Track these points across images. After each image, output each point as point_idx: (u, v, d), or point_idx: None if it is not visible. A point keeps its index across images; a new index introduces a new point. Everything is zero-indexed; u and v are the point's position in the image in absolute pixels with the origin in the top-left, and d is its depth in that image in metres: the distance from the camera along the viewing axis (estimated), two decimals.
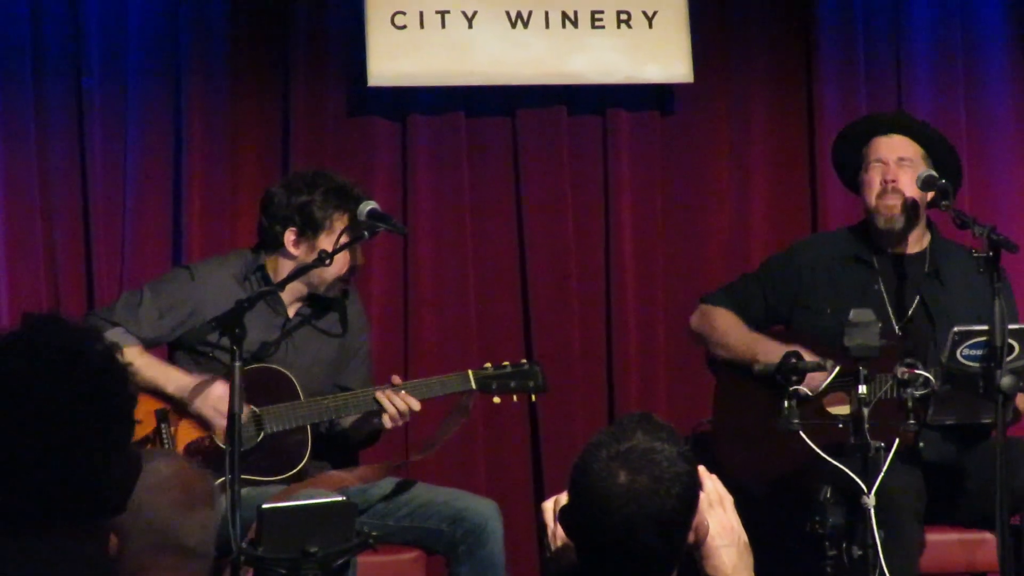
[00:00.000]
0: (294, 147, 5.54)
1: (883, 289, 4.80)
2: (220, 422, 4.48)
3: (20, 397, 2.15)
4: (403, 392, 4.57)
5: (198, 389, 4.55)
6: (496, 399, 4.74)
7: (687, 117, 5.79)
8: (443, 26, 5.58)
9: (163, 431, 4.55)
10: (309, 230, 4.64)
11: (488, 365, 4.73)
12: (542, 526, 2.68)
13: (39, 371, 2.16)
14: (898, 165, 4.79)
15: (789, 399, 4.24)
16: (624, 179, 5.72)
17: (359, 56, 5.55)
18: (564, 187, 5.70)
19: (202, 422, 4.57)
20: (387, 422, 4.59)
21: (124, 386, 2.23)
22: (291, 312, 4.74)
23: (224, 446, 4.40)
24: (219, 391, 4.50)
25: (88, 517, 2.19)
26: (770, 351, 4.65)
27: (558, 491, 2.59)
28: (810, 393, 4.50)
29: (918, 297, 4.79)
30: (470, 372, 4.70)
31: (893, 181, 4.78)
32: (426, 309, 5.63)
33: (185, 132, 5.51)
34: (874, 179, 4.81)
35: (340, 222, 4.63)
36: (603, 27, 5.64)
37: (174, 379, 4.57)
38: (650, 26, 5.65)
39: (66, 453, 2.15)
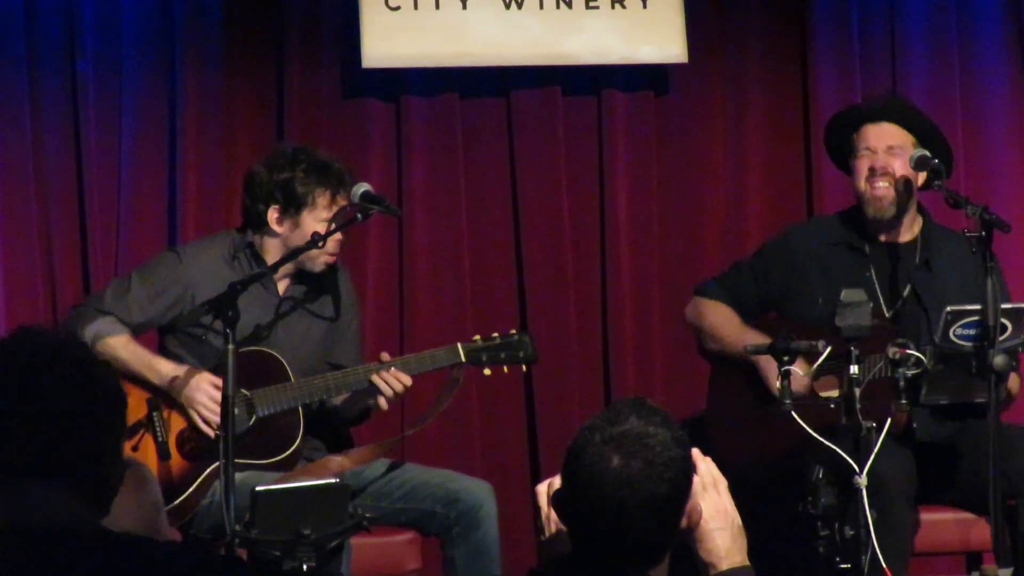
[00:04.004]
0: (288, 129, 5.53)
1: (874, 277, 4.79)
2: (205, 413, 4.50)
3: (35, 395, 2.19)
4: (394, 369, 4.57)
5: (182, 381, 4.55)
6: (487, 371, 4.70)
7: (682, 98, 5.78)
8: (437, 7, 5.57)
9: (155, 419, 4.56)
10: (292, 207, 4.63)
11: (477, 337, 4.70)
12: (536, 509, 2.68)
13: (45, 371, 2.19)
14: (888, 153, 4.77)
15: (783, 378, 4.24)
16: (619, 160, 5.71)
17: (353, 38, 5.54)
18: (559, 168, 5.70)
19: (187, 412, 4.57)
20: (383, 403, 4.59)
21: (116, 384, 2.28)
22: (281, 289, 4.73)
23: (214, 432, 4.42)
24: (200, 383, 4.52)
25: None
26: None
27: (553, 474, 2.59)
28: (801, 373, 4.48)
29: (909, 286, 4.79)
30: (459, 345, 4.68)
31: (883, 167, 4.76)
32: (421, 290, 5.63)
33: (180, 114, 5.50)
34: (863, 167, 4.79)
35: (323, 197, 4.62)
36: (597, 8, 5.63)
37: (156, 371, 4.58)
38: (644, 6, 5.64)
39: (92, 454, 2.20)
